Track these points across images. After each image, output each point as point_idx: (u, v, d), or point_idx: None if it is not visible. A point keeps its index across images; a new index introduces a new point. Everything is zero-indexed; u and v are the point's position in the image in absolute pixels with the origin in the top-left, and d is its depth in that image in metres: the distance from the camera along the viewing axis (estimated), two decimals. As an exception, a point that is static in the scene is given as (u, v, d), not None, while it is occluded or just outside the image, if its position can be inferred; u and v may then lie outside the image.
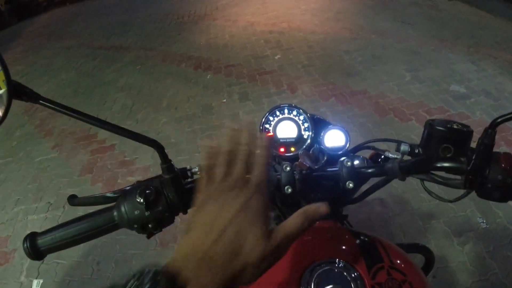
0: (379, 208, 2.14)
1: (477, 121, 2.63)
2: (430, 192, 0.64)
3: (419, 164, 0.58)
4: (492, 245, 1.87)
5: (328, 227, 0.75)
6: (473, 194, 0.57)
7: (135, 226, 0.55)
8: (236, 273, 0.38)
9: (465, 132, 0.56)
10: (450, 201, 0.62)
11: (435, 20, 4.69)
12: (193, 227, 0.40)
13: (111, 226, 0.56)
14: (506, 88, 3.08)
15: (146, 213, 0.55)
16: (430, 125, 0.59)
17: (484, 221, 1.99)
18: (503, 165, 0.51)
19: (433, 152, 0.58)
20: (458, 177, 0.56)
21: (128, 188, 0.59)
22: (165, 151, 0.57)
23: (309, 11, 5.67)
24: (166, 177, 0.57)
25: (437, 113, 2.82)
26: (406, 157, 0.61)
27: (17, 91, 0.47)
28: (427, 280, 0.63)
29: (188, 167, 0.65)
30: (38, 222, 2.45)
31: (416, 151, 0.61)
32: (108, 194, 0.62)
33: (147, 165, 2.80)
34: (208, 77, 4.02)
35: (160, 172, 0.59)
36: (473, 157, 0.52)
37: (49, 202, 2.60)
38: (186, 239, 0.40)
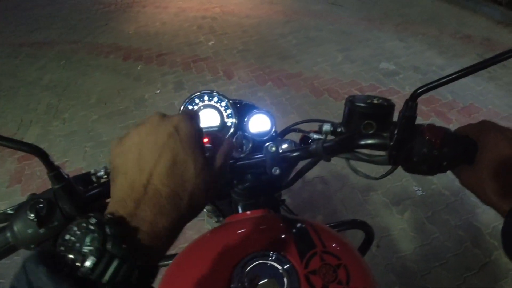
0: (321, 186, 2.17)
1: (407, 95, 2.73)
2: (356, 171, 0.61)
3: (342, 143, 0.56)
4: (430, 211, 1.98)
5: (260, 216, 0.70)
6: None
7: (32, 246, 0.48)
8: (185, 204, 0.35)
9: (386, 106, 0.54)
10: (377, 179, 0.59)
11: (364, 1, 4.85)
12: (120, 164, 0.37)
13: (7, 248, 0.49)
14: (434, 62, 3.27)
15: (41, 231, 0.47)
16: (350, 102, 0.56)
17: (420, 189, 2.10)
18: (427, 137, 0.49)
19: (355, 130, 0.55)
20: (383, 153, 0.53)
21: (20, 203, 0.50)
22: (48, 156, 0.49)
23: (243, -5, 5.58)
24: (57, 187, 0.49)
25: (368, 90, 2.92)
26: (331, 137, 0.59)
27: None
28: (363, 259, 0.61)
29: (92, 170, 0.58)
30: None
31: (339, 129, 0.59)
32: (9, 211, 0.52)
33: (79, 167, 2.57)
34: (139, 68, 3.79)
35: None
36: (395, 132, 0.49)
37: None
38: (118, 182, 0.36)
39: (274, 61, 3.53)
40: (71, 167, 2.59)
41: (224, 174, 0.41)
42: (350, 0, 4.90)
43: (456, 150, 0.49)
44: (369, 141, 0.53)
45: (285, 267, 0.52)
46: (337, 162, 2.26)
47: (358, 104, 0.54)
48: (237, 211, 0.72)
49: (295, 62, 3.48)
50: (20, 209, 0.49)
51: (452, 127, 0.50)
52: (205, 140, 0.70)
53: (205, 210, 1.39)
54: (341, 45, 3.69)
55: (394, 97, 2.75)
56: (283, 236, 0.59)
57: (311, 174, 2.25)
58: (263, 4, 5.09)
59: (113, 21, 5.36)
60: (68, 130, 3.01)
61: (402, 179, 2.15)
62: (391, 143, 0.50)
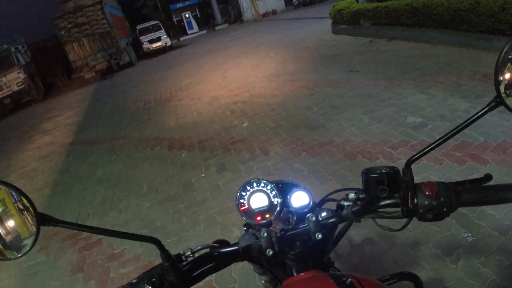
0: (370, 247, 2.20)
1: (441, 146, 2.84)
2: (381, 226, 0.76)
3: (365, 207, 0.72)
4: (483, 255, 1.94)
5: (311, 276, 0.82)
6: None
7: None
8: None
9: (393, 173, 0.70)
10: (399, 230, 0.73)
11: (379, 62, 5.19)
12: None
13: None
14: (458, 107, 3.38)
15: None
16: (365, 174, 0.73)
17: (470, 235, 2.08)
18: (426, 192, 0.64)
19: (373, 194, 0.71)
20: (398, 209, 0.68)
21: (134, 281, 0.67)
22: (161, 242, 0.66)
23: (266, 77, 6.12)
24: (166, 264, 0.66)
25: (400, 146, 3.04)
26: (357, 202, 0.75)
27: (42, 219, 0.56)
28: None
29: (181, 251, 0.74)
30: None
31: (361, 196, 0.75)
32: None
33: (137, 253, 2.77)
34: (183, 156, 4.16)
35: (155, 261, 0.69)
36: (401, 192, 0.65)
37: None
38: None
39: (305, 133, 3.78)
40: (129, 255, 2.78)
41: None
42: (367, 65, 5.24)
43: (450, 198, 0.63)
44: (385, 202, 0.69)
45: None
46: (382, 222, 2.31)
47: (371, 175, 0.71)
48: (292, 274, 0.86)
49: (325, 130, 3.70)
50: (135, 284, 0.66)
51: (489, 167, 0.61)
52: (258, 218, 0.87)
53: (262, 281, 1.49)
54: (365, 107, 3.91)
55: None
56: None
57: (359, 237, 2.30)
58: (285, 82, 5.55)
59: (155, 116, 5.98)
60: (124, 219, 3.28)
61: (451, 228, 2.16)
62: (401, 202, 0.65)
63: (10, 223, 0.58)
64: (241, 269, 2.30)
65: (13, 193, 0.57)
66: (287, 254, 0.83)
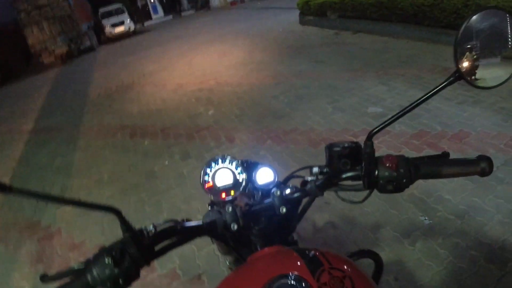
0: (332, 231, 2.27)
1: (398, 133, 2.97)
2: (344, 199, 0.78)
3: (328, 180, 0.74)
4: (440, 237, 2.05)
5: (276, 251, 0.83)
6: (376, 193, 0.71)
7: (108, 284, 0.61)
8: None
9: (355, 147, 0.73)
10: (360, 202, 0.75)
11: (344, 54, 5.30)
12: None
13: None
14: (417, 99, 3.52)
15: (115, 270, 0.61)
16: (328, 149, 0.76)
17: (427, 218, 2.19)
18: (387, 164, 0.66)
19: (336, 168, 0.74)
20: (360, 182, 0.70)
21: (94, 254, 0.65)
22: (122, 213, 0.64)
23: (232, 66, 6.07)
24: (127, 235, 0.64)
25: (362, 134, 3.13)
26: (320, 177, 0.77)
27: None
28: (365, 273, 0.74)
29: (143, 227, 0.72)
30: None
31: (325, 170, 0.77)
32: (75, 266, 0.67)
33: (98, 243, 2.67)
34: (146, 143, 4.05)
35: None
36: (363, 164, 0.67)
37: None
38: None
39: (270, 121, 3.80)
40: (91, 245, 2.69)
41: None
42: (332, 57, 5.34)
43: (409, 170, 0.66)
44: (347, 175, 0.71)
45: (302, 284, 0.63)
46: (344, 206, 2.39)
47: (334, 149, 0.74)
48: (257, 250, 0.86)
49: (290, 119, 3.74)
50: (96, 257, 0.63)
51: None
52: (223, 195, 0.87)
53: (227, 263, 1.49)
54: (329, 97, 3.99)
55: (386, 136, 2.95)
56: (296, 261, 0.73)
57: (321, 221, 2.36)
58: (252, 72, 5.53)
59: (116, 103, 5.76)
60: (83, 210, 3.15)
61: (408, 211, 2.26)
62: (362, 173, 0.67)
63: None
64: (206, 255, 2.29)
65: None
66: (252, 230, 0.83)
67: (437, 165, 0.69)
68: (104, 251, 0.63)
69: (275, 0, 16.55)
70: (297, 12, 9.37)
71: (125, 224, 0.64)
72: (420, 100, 0.62)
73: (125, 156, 3.90)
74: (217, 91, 5.07)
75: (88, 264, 0.63)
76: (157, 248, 0.69)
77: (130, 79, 6.96)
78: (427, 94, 0.61)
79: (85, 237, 2.78)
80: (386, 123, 0.64)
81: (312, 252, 0.75)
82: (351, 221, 2.31)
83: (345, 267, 0.70)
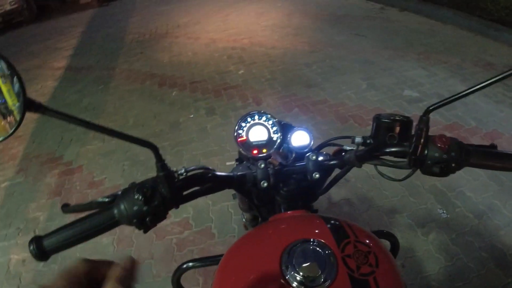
0: (347, 208, 2.26)
1: (431, 121, 2.84)
2: (382, 174, 0.73)
3: (371, 151, 0.69)
4: (454, 233, 2.02)
5: (299, 215, 0.82)
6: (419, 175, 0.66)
7: (134, 221, 0.60)
8: None
9: (406, 122, 0.68)
10: (400, 180, 0.70)
11: (387, 31, 5.03)
12: None
13: (112, 223, 0.61)
14: (456, 89, 3.35)
15: (144, 208, 0.60)
16: (377, 119, 0.70)
17: (445, 212, 2.16)
18: (439, 144, 0.62)
19: (382, 141, 0.69)
20: (404, 159, 0.65)
21: (124, 189, 0.63)
22: (159, 150, 0.62)
23: (269, 27, 5.87)
24: (161, 174, 0.62)
25: (393, 116, 3.02)
26: (361, 148, 0.72)
27: (29, 104, 0.50)
28: (389, 251, 0.72)
29: (175, 169, 0.70)
30: (8, 248, 2.35)
31: (368, 141, 0.72)
32: (100, 199, 0.66)
33: (117, 184, 2.77)
34: (173, 94, 4.05)
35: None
36: (413, 140, 0.62)
37: (18, 228, 2.51)
38: None
39: (300, 89, 3.71)
40: (109, 184, 2.79)
41: None
42: (374, 31, 5.08)
43: (461, 154, 0.61)
44: (393, 149, 0.66)
45: (326, 251, 0.62)
46: (363, 186, 2.36)
47: (383, 120, 0.69)
48: (280, 211, 0.85)
49: (320, 90, 3.64)
50: (125, 192, 0.62)
51: None
52: (255, 151, 0.84)
53: (244, 220, 1.51)
54: (365, 73, 3.83)
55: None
56: (321, 228, 0.71)
57: (337, 196, 2.35)
58: (288, 36, 5.35)
59: (148, 50, 5.74)
60: (107, 149, 3.24)
61: (427, 202, 2.22)
62: (410, 150, 0.62)
63: None
64: (220, 210, 2.34)
65: (5, 70, 0.50)
66: (279, 191, 0.83)
67: (489, 155, 0.65)
68: (135, 187, 0.61)
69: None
70: (344, -21, 8.86)
71: (161, 162, 0.62)
72: (485, 83, 0.56)
73: (151, 103, 3.93)
74: (249, 51, 4.96)
75: (116, 199, 0.62)
76: (186, 192, 0.68)
77: (164, 28, 6.86)
78: (494, 78, 0.55)
79: (105, 176, 2.88)
80: (448, 100, 0.58)
81: (338, 222, 0.74)
82: (368, 201, 2.29)
83: (371, 242, 0.68)
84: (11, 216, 2.64)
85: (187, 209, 2.38)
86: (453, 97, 0.58)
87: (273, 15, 6.52)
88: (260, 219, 1.04)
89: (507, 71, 0.55)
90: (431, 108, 0.59)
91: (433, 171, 0.63)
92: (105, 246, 2.22)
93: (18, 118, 0.51)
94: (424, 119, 0.60)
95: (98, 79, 4.90)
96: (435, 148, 0.62)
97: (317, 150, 0.92)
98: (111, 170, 2.92)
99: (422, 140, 0.61)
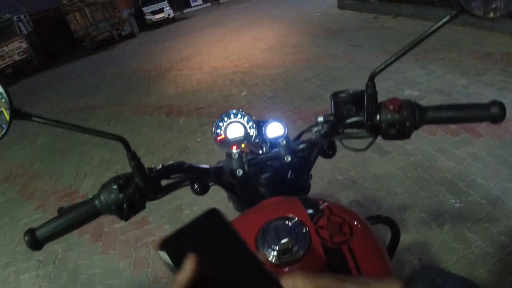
0: (357, 210, 2.25)
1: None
2: (348, 148, 0.75)
3: (333, 127, 0.72)
4: (469, 221, 1.98)
5: (280, 199, 0.84)
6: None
7: (113, 208, 0.65)
8: None
9: (359, 93, 0.70)
10: (363, 150, 0.72)
11: (382, 38, 5.12)
12: None
13: (94, 213, 0.66)
14: (456, 83, 3.36)
15: (120, 195, 0.64)
16: (334, 95, 0.74)
17: (457, 201, 2.12)
18: (390, 107, 0.64)
19: (341, 116, 0.71)
20: (363, 129, 0.68)
21: (104, 183, 0.69)
22: (128, 142, 0.67)
23: (267, 49, 6.06)
24: (132, 164, 0.66)
25: (395, 117, 3.04)
26: (326, 126, 0.75)
27: (15, 113, 0.57)
28: (367, 222, 0.73)
29: (153, 165, 0.74)
30: (30, 280, 2.42)
31: (330, 118, 0.75)
32: (89, 198, 0.71)
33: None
34: (180, 121, 4.18)
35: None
36: (365, 108, 0.64)
37: (38, 260, 2.58)
38: None
39: (302, 102, 3.78)
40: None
41: None
42: (369, 40, 5.18)
43: (414, 113, 0.63)
44: (351, 120, 0.68)
45: (298, 225, 0.65)
46: (372, 186, 2.36)
47: (339, 95, 0.72)
48: (263, 199, 0.88)
49: (321, 100, 3.70)
50: (105, 184, 0.67)
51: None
52: (234, 148, 0.89)
53: (231, 203, 1.52)
54: (363, 79, 3.70)
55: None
56: (297, 207, 0.73)
57: (346, 198, 2.35)
58: (287, 55, 5.50)
59: (154, 84, 5.96)
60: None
61: (439, 194, 2.20)
62: (365, 118, 0.65)
63: None
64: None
65: None
66: (258, 179, 0.85)
67: (444, 109, 0.65)
68: (112, 179, 0.66)
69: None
70: (336, -4, 9.12)
71: (130, 153, 0.66)
72: (422, 37, 0.59)
73: (160, 133, 4.05)
74: (251, 73, 5.10)
75: (99, 190, 0.67)
76: (164, 184, 0.71)
77: (168, 63, 7.15)
78: (429, 29, 0.58)
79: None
80: (388, 62, 0.61)
81: (316, 201, 0.76)
82: (378, 201, 2.28)
83: (345, 215, 0.70)
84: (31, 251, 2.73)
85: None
86: (396, 56, 0.62)
87: (271, 38, 6.73)
88: None
89: (444, 19, 0.57)
90: (375, 72, 0.63)
91: (391, 133, 0.64)
92: (122, 270, 2.25)
93: (6, 125, 0.58)
94: (370, 85, 0.63)
95: (109, 116, 5.09)
96: (386, 111, 0.64)
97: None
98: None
99: (372, 106, 0.63)
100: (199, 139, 3.62)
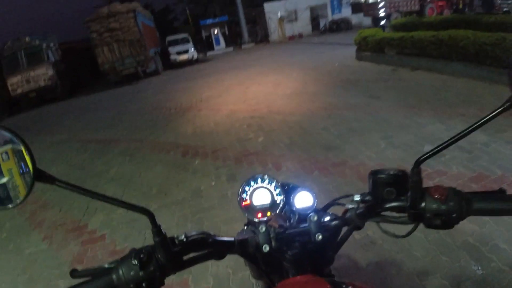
0: (376, 273, 2.13)
1: (455, 175, 2.78)
2: (386, 232, 0.71)
3: (370, 209, 0.68)
4: (492, 289, 1.86)
5: (306, 280, 0.79)
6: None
7: (131, 286, 0.61)
8: None
9: (402, 175, 0.67)
10: (404, 236, 0.68)
11: (401, 91, 5.16)
12: None
13: None
14: (477, 140, 3.30)
15: (140, 273, 0.61)
16: (373, 175, 0.70)
17: (480, 268, 2.00)
18: (435, 196, 0.60)
19: (380, 197, 0.68)
20: (404, 214, 0.64)
21: (124, 255, 0.65)
22: (154, 216, 0.64)
23: (286, 95, 6.17)
24: (156, 240, 0.63)
25: (415, 173, 2.97)
26: (362, 205, 0.71)
27: (38, 174, 0.56)
28: None
29: (175, 235, 0.71)
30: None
31: (367, 198, 0.71)
32: (106, 265, 0.68)
33: (138, 253, 2.76)
34: (196, 163, 4.18)
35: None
36: (409, 194, 0.61)
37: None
38: None
39: (319, 152, 3.75)
40: (132, 254, 2.78)
41: None
42: (388, 92, 5.23)
43: (460, 203, 0.59)
44: (391, 205, 0.65)
45: None
46: (391, 247, 2.25)
47: (379, 175, 0.67)
48: (288, 277, 0.82)
49: (339, 151, 3.67)
50: (125, 257, 0.63)
51: None
52: (259, 215, 0.85)
53: (259, 287, 1.45)
54: (382, 132, 3.86)
55: (443, 177, 2.77)
56: None
57: (364, 260, 2.24)
58: (305, 102, 5.57)
59: (173, 123, 6.07)
60: (130, 218, 3.29)
61: (460, 259, 2.07)
62: (408, 204, 0.61)
63: (5, 174, 0.57)
64: (241, 280, 2.26)
65: (15, 141, 0.55)
66: (284, 254, 0.79)
67: (492, 200, 0.62)
68: (133, 253, 0.62)
69: (332, 37, 16.76)
70: (354, 47, 9.40)
71: (156, 228, 0.63)
72: (475, 126, 0.57)
73: (175, 172, 4.05)
74: (268, 119, 5.16)
75: (118, 263, 0.64)
76: (185, 258, 0.68)
77: (188, 103, 7.34)
78: (481, 120, 0.56)
79: (127, 243, 2.89)
80: (436, 149, 0.59)
81: (345, 285, 0.71)
82: (398, 264, 2.16)
83: None
84: (33, 281, 2.65)
85: (207, 279, 2.31)
86: (443, 145, 0.59)
87: (290, 85, 6.88)
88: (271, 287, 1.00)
89: (494, 111, 0.56)
90: (421, 158, 0.60)
91: (435, 223, 0.61)
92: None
93: (28, 187, 0.57)
94: (416, 171, 0.60)
95: (125, 151, 5.16)
96: (432, 200, 0.61)
97: (323, 211, 0.92)
98: (133, 239, 2.94)
99: (417, 194, 0.60)
100: (213, 183, 3.59)
